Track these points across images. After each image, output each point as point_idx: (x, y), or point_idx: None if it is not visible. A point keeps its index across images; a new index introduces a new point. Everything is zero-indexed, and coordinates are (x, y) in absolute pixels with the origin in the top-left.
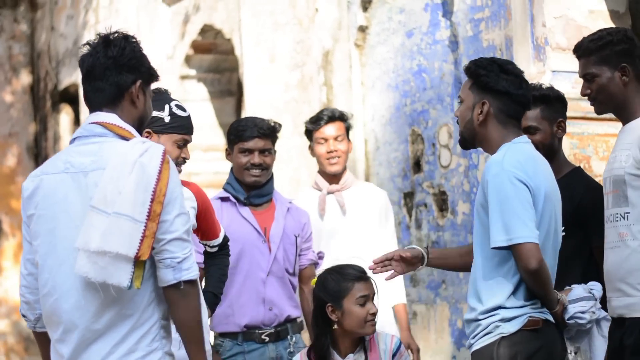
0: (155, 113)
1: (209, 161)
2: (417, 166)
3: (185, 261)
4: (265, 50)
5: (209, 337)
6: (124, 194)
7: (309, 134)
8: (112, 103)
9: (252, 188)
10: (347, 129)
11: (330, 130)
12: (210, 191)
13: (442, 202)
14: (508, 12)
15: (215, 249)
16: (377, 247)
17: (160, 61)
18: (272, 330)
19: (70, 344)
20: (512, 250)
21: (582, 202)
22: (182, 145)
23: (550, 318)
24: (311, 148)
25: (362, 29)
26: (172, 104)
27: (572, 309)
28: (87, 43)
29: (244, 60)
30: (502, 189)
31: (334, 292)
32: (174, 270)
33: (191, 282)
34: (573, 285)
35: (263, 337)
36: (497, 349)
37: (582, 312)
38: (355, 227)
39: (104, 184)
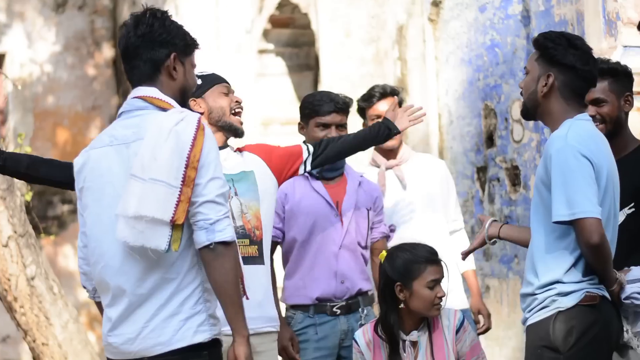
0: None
1: (288, 134)
2: (490, 140)
3: (218, 223)
4: (341, 25)
5: (276, 307)
6: (159, 161)
7: (362, 111)
8: (150, 79)
9: None
10: (400, 104)
11: (383, 106)
12: None
13: (515, 176)
14: None
15: (313, 153)
16: (441, 218)
17: (239, 36)
18: (344, 303)
19: (119, 308)
20: (574, 225)
21: None
22: (227, 92)
23: (607, 295)
24: (365, 125)
25: (436, 4)
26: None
27: (630, 289)
28: (123, 24)
29: (320, 35)
30: (566, 164)
31: (404, 272)
32: (207, 231)
33: (225, 244)
34: (632, 267)
35: (334, 309)
36: (553, 323)
37: (639, 293)
38: (417, 199)
39: (141, 152)
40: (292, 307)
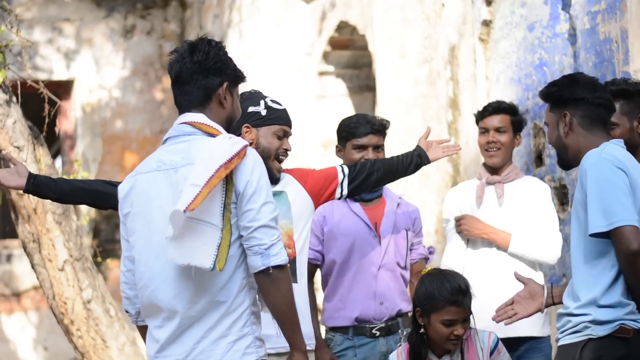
0: (251, 109)
1: None
2: (539, 160)
3: (272, 247)
4: (396, 46)
5: (316, 329)
6: (199, 169)
7: (477, 124)
8: (201, 105)
9: None
10: (515, 122)
11: (492, 121)
12: None
13: (563, 195)
14: (624, 4)
15: (348, 175)
16: (533, 240)
17: (299, 58)
18: (383, 325)
19: (169, 329)
20: (612, 235)
21: None
22: (282, 136)
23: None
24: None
25: (486, 23)
26: (267, 99)
27: None
28: (175, 50)
29: (376, 56)
30: (601, 175)
31: (424, 302)
32: (262, 256)
33: (280, 267)
34: None
35: (374, 331)
36: (581, 350)
37: None
38: (511, 219)
39: (191, 176)
40: (331, 329)
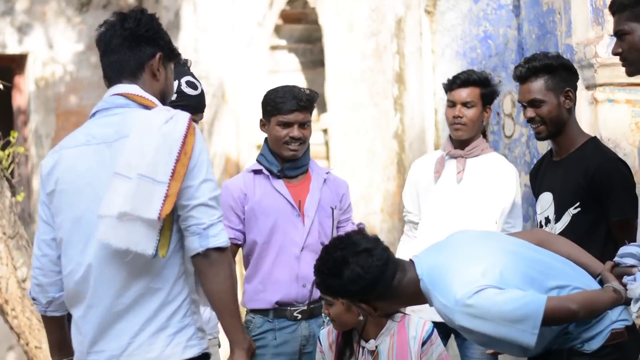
0: None
1: None
2: (483, 135)
3: (211, 227)
4: (344, 18)
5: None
6: (148, 157)
7: (446, 94)
8: (133, 76)
9: (288, 160)
10: (485, 95)
11: (460, 94)
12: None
13: None
14: None
15: None
16: (489, 219)
17: (251, 30)
18: (305, 308)
19: (94, 320)
20: None
21: (597, 175)
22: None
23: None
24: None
25: None
26: (183, 80)
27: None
28: (104, 21)
29: (325, 29)
30: None
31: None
32: (200, 237)
33: (220, 250)
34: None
35: (295, 314)
36: None
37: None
38: (467, 197)
39: (128, 150)
40: (251, 312)
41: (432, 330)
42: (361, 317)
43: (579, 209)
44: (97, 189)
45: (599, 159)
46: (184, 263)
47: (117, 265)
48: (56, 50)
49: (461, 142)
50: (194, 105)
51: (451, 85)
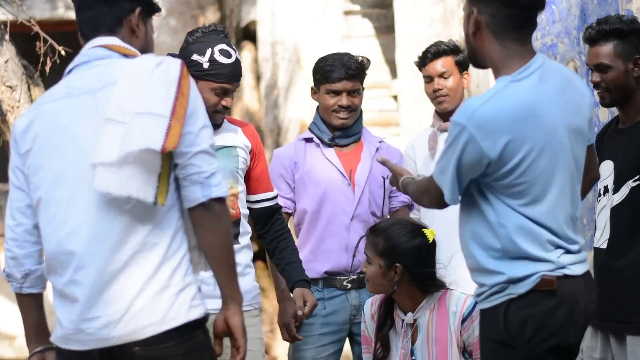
0: (195, 57)
1: (375, 99)
2: None
3: (213, 176)
4: None
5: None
6: (144, 98)
7: (420, 71)
8: (111, 30)
9: (339, 129)
10: (459, 62)
11: (434, 67)
12: (374, 130)
13: None
14: None
15: (266, 204)
16: None
17: None
18: (355, 277)
19: (86, 282)
20: None
21: None
22: (221, 93)
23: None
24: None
25: None
26: (216, 48)
27: None
28: None
29: None
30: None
31: None
32: (202, 186)
33: (221, 200)
34: None
35: (345, 283)
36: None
37: None
38: None
39: (118, 95)
40: None
41: (474, 306)
42: (396, 288)
43: (639, 182)
44: (82, 140)
45: None
46: (181, 217)
47: (110, 218)
48: None
49: (448, 113)
50: (227, 74)
51: (423, 61)
